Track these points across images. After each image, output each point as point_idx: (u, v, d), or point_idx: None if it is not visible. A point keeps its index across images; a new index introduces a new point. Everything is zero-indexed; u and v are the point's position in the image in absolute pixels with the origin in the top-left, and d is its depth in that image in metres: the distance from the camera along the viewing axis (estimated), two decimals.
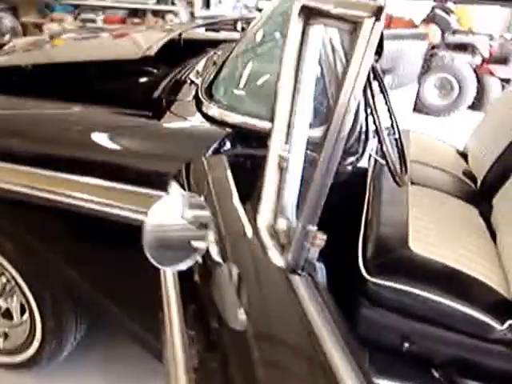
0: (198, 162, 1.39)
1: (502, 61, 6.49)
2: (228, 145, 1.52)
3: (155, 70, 2.15)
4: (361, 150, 1.55)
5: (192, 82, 1.95)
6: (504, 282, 1.77)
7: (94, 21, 6.61)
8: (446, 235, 2.05)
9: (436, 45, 6.34)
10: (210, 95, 1.76)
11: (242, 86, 1.81)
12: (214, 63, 2.05)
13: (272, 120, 1.05)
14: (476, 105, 6.39)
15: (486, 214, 2.35)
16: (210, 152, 1.48)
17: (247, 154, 1.53)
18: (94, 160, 1.56)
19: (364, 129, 1.63)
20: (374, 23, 0.74)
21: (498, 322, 1.56)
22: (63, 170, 1.55)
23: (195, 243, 0.94)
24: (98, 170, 1.52)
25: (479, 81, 6.28)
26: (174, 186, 1.28)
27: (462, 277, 1.71)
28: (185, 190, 1.35)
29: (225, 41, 2.75)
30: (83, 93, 1.87)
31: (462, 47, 6.32)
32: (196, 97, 1.79)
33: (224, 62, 1.95)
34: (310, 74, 0.98)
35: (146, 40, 2.27)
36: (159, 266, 0.94)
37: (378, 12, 0.73)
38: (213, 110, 1.68)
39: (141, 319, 1.62)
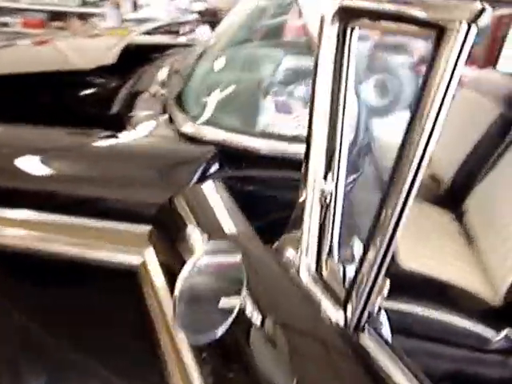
0: (189, 192, 1.18)
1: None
2: (215, 167, 1.32)
3: (107, 81, 1.89)
4: (362, 166, 1.41)
5: (155, 93, 1.72)
6: (491, 289, 1.73)
7: (7, 24, 6.09)
8: (428, 244, 2.02)
9: (375, 45, 6.41)
10: (183, 109, 1.54)
11: (221, 98, 1.61)
12: (177, 72, 1.83)
13: (307, 146, 0.87)
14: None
15: (459, 218, 2.34)
16: (196, 177, 1.27)
17: (243, 177, 1.34)
18: (54, 193, 1.30)
19: (366, 141, 1.49)
20: (471, 28, 0.58)
21: (494, 333, 1.51)
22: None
23: (227, 302, 0.73)
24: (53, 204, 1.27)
25: (416, 81, 6.41)
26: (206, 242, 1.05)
27: (451, 289, 1.67)
28: (174, 227, 1.14)
29: (170, 46, 2.54)
30: (28, 110, 1.59)
31: (399, 48, 6.42)
32: (166, 111, 1.57)
33: (192, 71, 1.74)
34: (349, 89, 0.81)
35: (92, 47, 2.01)
36: (194, 340, 0.73)
37: (478, 15, 0.57)
38: (189, 126, 1.46)
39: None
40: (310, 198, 0.83)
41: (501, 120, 2.45)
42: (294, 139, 1.32)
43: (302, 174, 0.87)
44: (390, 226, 0.65)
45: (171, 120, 1.53)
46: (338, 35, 0.77)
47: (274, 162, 1.34)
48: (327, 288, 0.77)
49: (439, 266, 1.84)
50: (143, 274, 1.22)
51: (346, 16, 0.76)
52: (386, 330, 0.77)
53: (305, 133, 1.32)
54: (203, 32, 5.39)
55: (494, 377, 1.53)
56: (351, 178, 1.40)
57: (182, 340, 0.95)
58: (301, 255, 0.82)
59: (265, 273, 0.86)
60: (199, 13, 6.02)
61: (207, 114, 1.54)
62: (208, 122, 1.47)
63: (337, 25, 0.77)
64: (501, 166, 2.27)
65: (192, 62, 1.87)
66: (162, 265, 1.15)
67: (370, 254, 0.68)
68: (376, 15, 0.72)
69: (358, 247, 0.89)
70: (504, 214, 2.09)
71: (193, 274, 0.70)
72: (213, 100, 1.61)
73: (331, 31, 0.77)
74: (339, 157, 0.83)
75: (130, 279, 1.23)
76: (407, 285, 1.60)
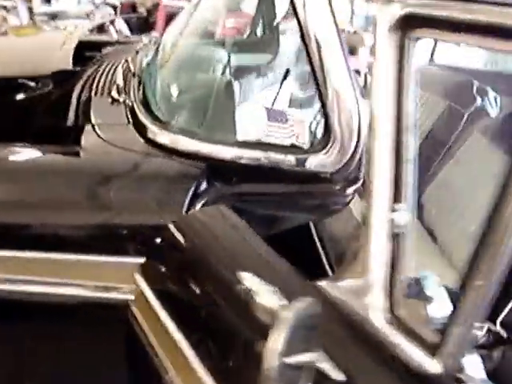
0: (193, 219, 1.04)
1: (350, 52, 6.88)
2: (205, 184, 1.19)
3: (53, 87, 1.68)
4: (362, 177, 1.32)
5: (114, 100, 1.54)
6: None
7: None
8: None
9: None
10: (155, 117, 1.39)
11: (195, 103, 1.47)
12: (133, 74, 1.65)
13: (369, 172, 0.77)
14: None
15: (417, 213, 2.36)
16: (188, 199, 1.13)
17: (236, 193, 1.21)
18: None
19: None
20: None
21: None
22: None
23: (301, 358, 0.62)
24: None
25: None
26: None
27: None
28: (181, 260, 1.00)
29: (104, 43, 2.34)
30: None
31: None
32: (134, 120, 1.40)
33: (152, 73, 1.58)
34: (412, 104, 0.72)
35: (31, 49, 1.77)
36: None
37: None
38: (164, 137, 1.32)
39: None
40: (378, 230, 0.74)
41: (449, 112, 2.49)
42: (289, 150, 1.22)
43: (365, 203, 0.77)
44: (500, 263, 0.58)
45: (140, 130, 1.37)
46: (399, 47, 0.68)
47: (268, 174, 1.23)
48: (409, 331, 0.68)
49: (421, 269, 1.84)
50: (135, 312, 1.08)
51: (410, 25, 0.67)
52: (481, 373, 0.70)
53: (300, 142, 1.23)
54: (120, 26, 5.11)
55: None
56: (350, 191, 1.31)
57: None
58: (368, 293, 0.73)
59: (332, 319, 0.74)
60: (114, 7, 5.71)
61: (184, 123, 1.40)
62: (185, 132, 1.33)
63: (397, 34, 0.68)
64: (456, 157, 2.30)
65: (147, 63, 1.70)
66: (164, 303, 1.01)
67: (473, 295, 0.60)
68: (452, 25, 0.63)
69: (430, 282, 0.81)
70: (461, 204, 2.12)
71: (288, 339, 0.59)
72: (187, 106, 1.47)
73: (390, 42, 0.68)
74: (408, 182, 0.74)
75: (120, 317, 1.08)
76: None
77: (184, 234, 1.02)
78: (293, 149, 1.22)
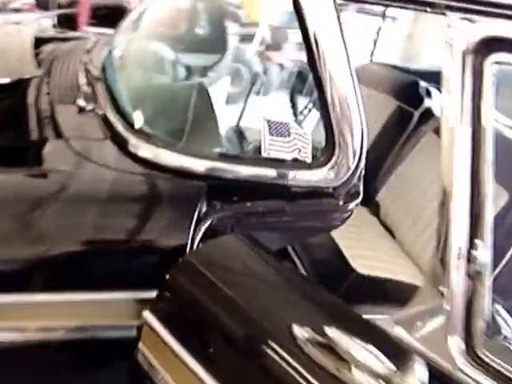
0: (208, 250, 0.94)
1: (277, 47, 6.95)
2: (205, 207, 1.09)
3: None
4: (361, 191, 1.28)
5: (82, 109, 1.39)
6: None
7: None
8: (367, 245, 2.06)
9: None
10: (134, 128, 1.26)
11: (175, 112, 1.36)
12: (97, 79, 1.50)
13: (443, 205, 0.72)
14: (262, 90, 6.66)
15: (374, 211, 2.41)
16: (192, 224, 1.03)
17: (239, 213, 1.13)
18: None
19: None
20: None
21: None
22: None
23: None
24: None
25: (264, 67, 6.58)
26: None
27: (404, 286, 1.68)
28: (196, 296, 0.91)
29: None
30: None
31: (250, 38, 6.51)
32: (112, 132, 1.27)
33: (120, 78, 1.45)
34: (489, 136, 0.68)
35: None
36: None
37: None
38: (147, 151, 1.20)
39: None
40: (455, 269, 0.70)
41: (399, 112, 2.54)
42: (292, 165, 1.16)
43: (440, 243, 0.73)
44: None
45: (119, 143, 1.25)
46: (476, 71, 0.64)
47: (270, 191, 1.16)
48: (497, 374, 0.65)
49: (385, 266, 1.87)
50: (144, 350, 0.97)
51: (490, 49, 0.63)
52: None
53: (303, 156, 1.17)
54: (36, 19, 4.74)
55: None
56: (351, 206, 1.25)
57: None
58: (447, 334, 0.69)
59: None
60: None
61: (164, 133, 1.29)
62: (169, 145, 1.23)
63: (474, 58, 0.64)
64: (410, 156, 2.35)
65: (103, 66, 1.56)
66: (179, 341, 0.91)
67: None
68: None
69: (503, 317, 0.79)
70: (415, 200, 2.18)
71: None
72: (162, 114, 1.36)
73: (466, 65, 0.64)
74: (487, 218, 0.71)
75: (128, 356, 0.97)
76: (370, 290, 1.61)
77: (201, 269, 0.93)
78: (296, 163, 1.16)
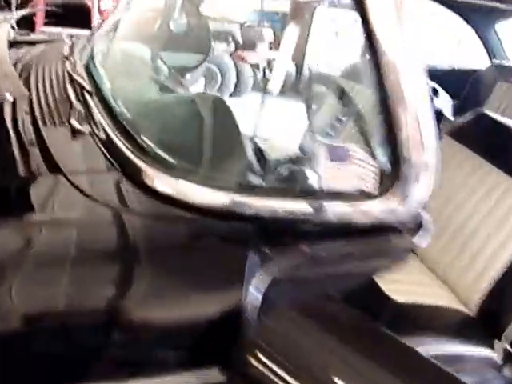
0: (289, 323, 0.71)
1: (251, 47, 6.77)
2: (256, 257, 0.85)
3: None
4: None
5: (76, 131, 1.11)
6: (458, 302, 1.66)
7: None
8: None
9: None
10: (149, 156, 1.00)
11: (194, 133, 1.10)
12: (90, 93, 1.22)
13: None
14: (236, 92, 6.46)
15: None
16: (244, 280, 0.79)
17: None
18: None
19: None
20: None
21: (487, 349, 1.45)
22: None
23: None
24: None
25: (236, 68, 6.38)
26: None
27: (442, 313, 1.60)
28: None
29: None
30: None
31: (220, 36, 6.28)
32: (121, 161, 1.00)
33: (120, 91, 1.19)
34: None
35: None
36: None
37: None
38: (167, 184, 0.95)
39: None
40: None
41: None
42: (357, 197, 0.93)
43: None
44: None
45: (132, 175, 0.99)
46: None
47: (332, 230, 0.93)
48: None
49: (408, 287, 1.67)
50: None
51: None
52: None
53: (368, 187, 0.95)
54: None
55: None
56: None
57: None
58: None
59: None
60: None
61: (185, 161, 1.04)
62: (195, 176, 0.98)
63: None
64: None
65: (102, 77, 1.30)
66: None
67: None
68: None
69: None
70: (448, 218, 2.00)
71: None
72: (185, 135, 1.11)
73: None
74: None
75: None
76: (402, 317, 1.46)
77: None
78: (361, 196, 0.93)
